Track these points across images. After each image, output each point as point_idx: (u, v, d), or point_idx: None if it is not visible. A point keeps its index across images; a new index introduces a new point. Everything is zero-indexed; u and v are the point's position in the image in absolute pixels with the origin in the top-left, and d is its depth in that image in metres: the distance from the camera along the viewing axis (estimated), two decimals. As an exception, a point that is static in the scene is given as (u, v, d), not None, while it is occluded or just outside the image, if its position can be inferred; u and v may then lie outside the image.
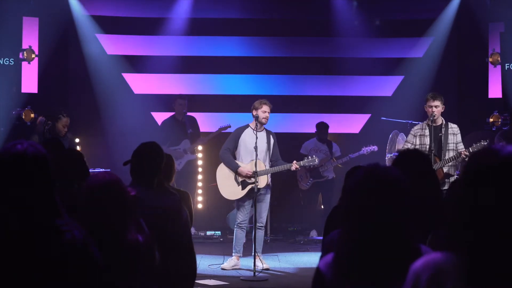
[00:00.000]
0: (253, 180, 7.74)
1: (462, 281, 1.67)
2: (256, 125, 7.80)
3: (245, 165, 7.85)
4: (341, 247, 2.16)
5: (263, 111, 7.79)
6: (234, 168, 7.84)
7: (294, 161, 7.78)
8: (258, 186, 7.74)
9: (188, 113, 10.27)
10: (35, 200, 2.22)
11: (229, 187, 7.94)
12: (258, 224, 7.79)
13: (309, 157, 7.95)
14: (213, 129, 10.20)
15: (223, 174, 7.98)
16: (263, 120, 7.80)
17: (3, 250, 2.18)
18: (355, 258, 2.10)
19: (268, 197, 7.93)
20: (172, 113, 10.29)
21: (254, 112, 7.83)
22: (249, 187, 7.83)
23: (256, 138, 7.65)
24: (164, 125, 10.32)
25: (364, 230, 2.09)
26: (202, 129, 10.41)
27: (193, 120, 10.35)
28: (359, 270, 2.09)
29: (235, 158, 8.00)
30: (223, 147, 8.03)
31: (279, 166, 7.80)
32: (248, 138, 7.86)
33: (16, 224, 2.19)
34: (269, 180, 7.89)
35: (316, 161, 7.93)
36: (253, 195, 7.83)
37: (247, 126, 7.99)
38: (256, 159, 7.67)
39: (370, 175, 2.13)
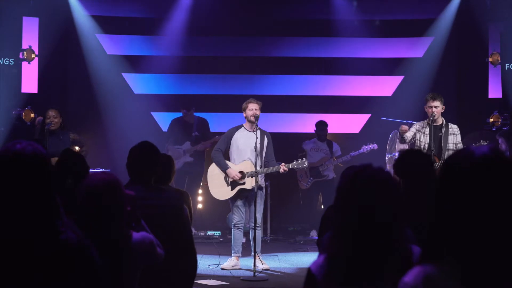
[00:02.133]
0: (242, 181, 7.80)
1: None
2: (251, 125, 7.87)
3: (235, 166, 7.88)
4: (330, 247, 2.16)
5: (250, 109, 7.83)
6: (224, 169, 7.88)
7: (283, 163, 7.77)
8: (245, 187, 7.81)
9: (198, 114, 10.23)
10: (33, 200, 2.22)
11: (218, 187, 7.98)
12: (253, 225, 7.80)
13: (299, 159, 7.92)
14: (213, 129, 10.20)
15: (214, 174, 8.03)
16: (251, 118, 7.83)
17: (1, 251, 2.18)
18: (344, 259, 2.10)
19: (261, 198, 7.87)
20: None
21: (244, 113, 7.90)
22: (238, 187, 7.86)
23: (256, 138, 7.69)
24: (171, 124, 10.33)
25: (353, 231, 2.09)
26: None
27: (203, 122, 10.24)
28: (349, 271, 2.09)
29: (228, 158, 8.02)
30: (215, 147, 8.10)
31: (269, 168, 7.79)
32: (240, 139, 7.90)
33: (15, 224, 2.19)
34: (261, 180, 7.84)
35: (306, 163, 7.90)
36: (244, 196, 7.87)
37: (240, 126, 8.02)
38: (258, 159, 7.68)
39: (360, 175, 2.14)
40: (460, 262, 1.65)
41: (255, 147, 7.66)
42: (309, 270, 2.22)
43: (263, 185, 7.95)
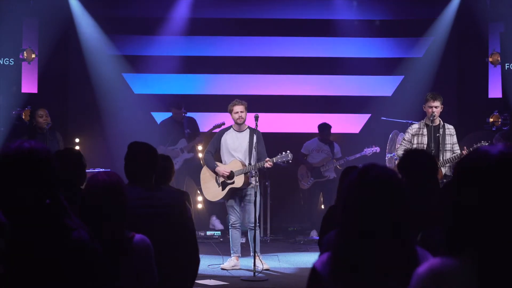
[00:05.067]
0: (231, 180, 7.86)
1: (468, 287, 1.65)
2: (239, 126, 7.93)
3: (223, 167, 7.93)
4: (337, 246, 2.16)
5: (235, 112, 7.88)
6: (212, 168, 7.96)
7: (267, 158, 7.79)
8: (235, 186, 7.84)
9: (188, 114, 10.28)
10: (43, 199, 2.22)
11: (210, 188, 8.07)
12: (250, 225, 7.80)
13: (283, 152, 7.90)
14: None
15: (206, 176, 8.12)
16: (238, 121, 7.89)
17: (13, 249, 2.18)
18: (351, 258, 2.09)
19: (255, 197, 7.83)
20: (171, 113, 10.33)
21: (230, 115, 7.94)
22: (228, 187, 7.91)
23: (243, 137, 7.78)
24: (162, 125, 10.35)
25: (359, 230, 2.09)
26: (202, 129, 10.42)
27: (192, 121, 10.36)
28: (355, 270, 2.08)
29: (220, 160, 8.05)
30: (206, 150, 8.18)
31: (256, 164, 7.78)
32: (229, 139, 7.98)
33: (26, 223, 2.19)
34: (252, 179, 7.82)
35: (289, 156, 7.85)
36: (236, 195, 7.91)
37: (229, 127, 8.09)
38: (247, 158, 7.72)
39: (366, 175, 2.13)
40: (480, 258, 1.65)
41: (242, 146, 7.71)
42: (313, 268, 2.20)
43: (257, 184, 7.87)
